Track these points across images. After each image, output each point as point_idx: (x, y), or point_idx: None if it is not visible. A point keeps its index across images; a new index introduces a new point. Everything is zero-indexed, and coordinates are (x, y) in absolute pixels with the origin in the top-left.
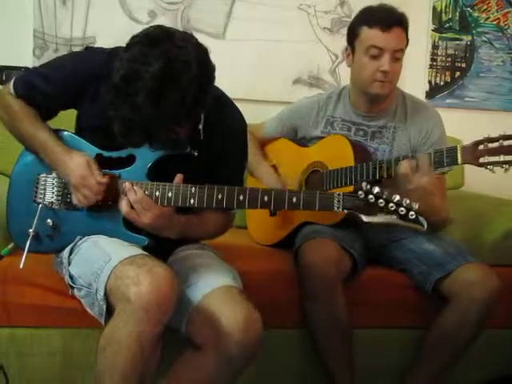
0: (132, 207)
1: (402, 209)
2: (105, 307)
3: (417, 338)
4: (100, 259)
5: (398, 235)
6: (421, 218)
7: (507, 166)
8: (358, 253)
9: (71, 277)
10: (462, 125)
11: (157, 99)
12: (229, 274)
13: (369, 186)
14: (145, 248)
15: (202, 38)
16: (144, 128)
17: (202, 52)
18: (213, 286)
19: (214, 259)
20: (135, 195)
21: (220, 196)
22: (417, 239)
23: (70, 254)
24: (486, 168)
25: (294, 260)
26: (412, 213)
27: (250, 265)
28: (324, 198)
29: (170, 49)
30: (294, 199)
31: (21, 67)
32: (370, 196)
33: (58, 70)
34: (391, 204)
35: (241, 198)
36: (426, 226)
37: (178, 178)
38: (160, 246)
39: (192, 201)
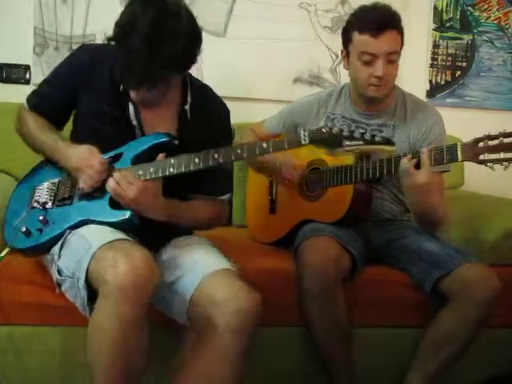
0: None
1: (368, 135)
2: (86, 296)
3: (416, 337)
4: (82, 248)
5: (398, 234)
6: (388, 141)
7: (507, 163)
8: (358, 251)
9: (59, 271)
10: (462, 124)
11: (151, 42)
12: (225, 261)
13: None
14: (139, 237)
15: (202, 36)
16: (140, 71)
17: (192, 16)
18: (210, 270)
19: (212, 248)
20: (120, 173)
21: (197, 160)
22: (417, 238)
23: (61, 248)
24: (486, 165)
25: (294, 258)
26: (378, 137)
27: (249, 263)
28: (291, 136)
29: (164, 6)
30: (265, 145)
31: (21, 65)
32: (335, 129)
33: (56, 72)
34: (356, 133)
35: (215, 155)
36: (395, 147)
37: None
38: (154, 235)
39: (171, 169)
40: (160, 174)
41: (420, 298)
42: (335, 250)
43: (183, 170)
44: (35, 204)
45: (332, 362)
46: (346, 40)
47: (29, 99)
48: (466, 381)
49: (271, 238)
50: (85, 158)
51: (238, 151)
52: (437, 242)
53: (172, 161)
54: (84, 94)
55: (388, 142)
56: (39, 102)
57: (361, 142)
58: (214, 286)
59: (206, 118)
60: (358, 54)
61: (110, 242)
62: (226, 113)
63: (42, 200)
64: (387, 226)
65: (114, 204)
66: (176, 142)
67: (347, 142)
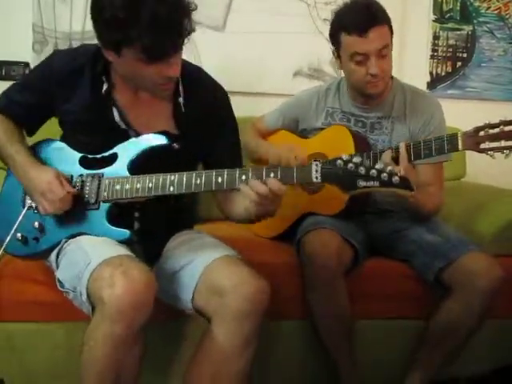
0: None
1: (385, 174)
2: (91, 309)
3: (419, 328)
4: (81, 262)
5: (400, 226)
6: (406, 183)
7: (508, 151)
8: (360, 243)
9: (59, 282)
10: (463, 115)
11: None
12: (228, 249)
13: (349, 156)
14: (139, 240)
15: (201, 30)
16: (172, 22)
17: None
18: (213, 257)
19: (213, 239)
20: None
21: (199, 181)
22: (418, 229)
23: (57, 257)
24: (487, 154)
25: (296, 252)
26: (396, 178)
27: (251, 257)
28: (302, 170)
29: None
30: (272, 174)
31: (20, 62)
32: (350, 165)
33: (29, 78)
34: (372, 171)
35: (219, 180)
36: (414, 189)
37: None
38: (153, 235)
39: (171, 188)
40: (159, 193)
41: (422, 290)
42: (337, 243)
43: (184, 190)
44: (29, 207)
45: (335, 354)
46: (335, 43)
47: None
48: (467, 371)
49: (273, 232)
50: (49, 181)
51: (243, 178)
52: (438, 233)
53: (172, 177)
54: (62, 103)
55: (406, 185)
56: (10, 106)
57: (377, 183)
58: (219, 274)
59: (203, 107)
60: (349, 55)
61: (109, 258)
62: (224, 97)
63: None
64: (388, 217)
65: (112, 218)
66: (176, 146)
67: (362, 183)
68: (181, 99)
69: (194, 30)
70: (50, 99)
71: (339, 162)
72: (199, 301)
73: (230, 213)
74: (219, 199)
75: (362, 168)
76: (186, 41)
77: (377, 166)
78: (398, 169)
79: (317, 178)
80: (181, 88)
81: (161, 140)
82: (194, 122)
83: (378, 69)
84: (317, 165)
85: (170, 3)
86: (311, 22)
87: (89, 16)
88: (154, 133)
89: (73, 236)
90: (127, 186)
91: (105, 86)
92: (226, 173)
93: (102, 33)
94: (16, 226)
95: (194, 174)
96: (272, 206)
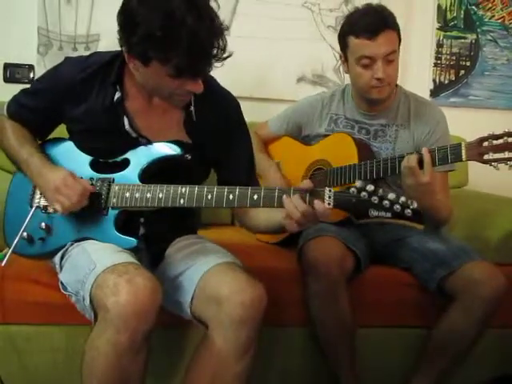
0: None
1: (398, 206)
2: (93, 314)
3: (420, 336)
4: (86, 267)
5: (402, 234)
6: (418, 216)
7: (511, 162)
8: (362, 251)
9: (62, 284)
10: (466, 123)
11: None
12: (228, 255)
13: (363, 184)
14: (143, 242)
15: None
16: (208, 41)
17: None
18: (211, 264)
19: (213, 245)
20: None
21: (210, 196)
22: (421, 238)
23: (62, 259)
24: (491, 165)
25: (298, 258)
26: (408, 210)
27: (253, 262)
28: (314, 195)
29: None
30: (285, 197)
31: (25, 64)
32: (363, 193)
33: (38, 84)
34: (385, 201)
35: (230, 197)
36: (424, 225)
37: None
38: (157, 240)
39: (182, 201)
40: (169, 204)
41: (424, 298)
42: (339, 250)
43: (194, 205)
44: (36, 207)
45: (336, 362)
46: (343, 46)
47: (9, 106)
48: (469, 379)
49: (275, 238)
50: (64, 178)
51: (255, 198)
52: (441, 241)
53: (183, 190)
54: (71, 111)
55: (418, 218)
56: (20, 112)
57: (389, 214)
58: (217, 281)
59: (214, 116)
60: (356, 58)
61: (114, 265)
62: (235, 107)
63: (43, 202)
64: (390, 225)
65: (120, 225)
66: (188, 157)
67: (374, 212)
68: (192, 108)
69: (225, 51)
70: (58, 107)
71: (353, 189)
72: (197, 307)
73: (251, 225)
74: (237, 210)
75: (375, 198)
76: (218, 63)
77: (389, 197)
78: (422, 179)
79: (329, 204)
80: (192, 97)
81: (174, 150)
82: (205, 131)
83: (384, 74)
84: (330, 191)
85: (207, 25)
86: (315, 29)
87: (94, 19)
88: (167, 141)
89: (79, 240)
90: (137, 195)
91: (117, 95)
92: (237, 190)
93: (133, 44)
94: (24, 225)
95: (206, 189)
96: (311, 223)
